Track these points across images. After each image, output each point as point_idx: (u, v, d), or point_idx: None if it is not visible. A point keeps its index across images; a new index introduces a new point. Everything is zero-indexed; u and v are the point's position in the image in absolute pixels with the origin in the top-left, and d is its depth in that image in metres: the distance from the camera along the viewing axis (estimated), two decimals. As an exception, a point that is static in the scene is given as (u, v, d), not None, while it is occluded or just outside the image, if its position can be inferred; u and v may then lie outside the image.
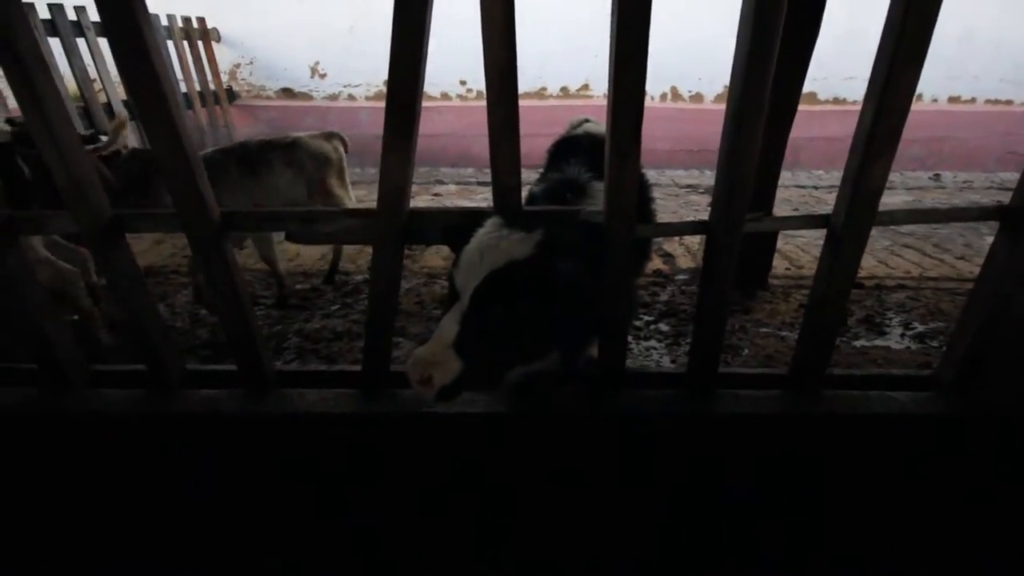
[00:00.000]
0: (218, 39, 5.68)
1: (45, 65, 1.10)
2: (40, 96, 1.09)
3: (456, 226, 1.17)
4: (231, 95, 5.86)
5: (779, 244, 3.16)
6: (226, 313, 1.31)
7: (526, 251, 1.02)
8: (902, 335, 2.39)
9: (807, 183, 5.45)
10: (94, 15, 4.29)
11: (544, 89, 5.81)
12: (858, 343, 2.32)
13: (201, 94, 5.25)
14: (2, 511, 1.43)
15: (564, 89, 5.89)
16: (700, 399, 1.32)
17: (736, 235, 1.16)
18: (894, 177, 5.56)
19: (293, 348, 2.35)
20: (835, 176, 5.67)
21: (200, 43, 5.32)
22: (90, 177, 1.20)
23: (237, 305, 1.29)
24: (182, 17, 5.07)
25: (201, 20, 5.39)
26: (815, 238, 3.64)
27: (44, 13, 3.87)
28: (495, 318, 1.02)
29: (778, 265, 3.11)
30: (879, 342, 2.33)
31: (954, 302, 2.68)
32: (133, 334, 1.32)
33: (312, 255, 3.45)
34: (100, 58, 4.33)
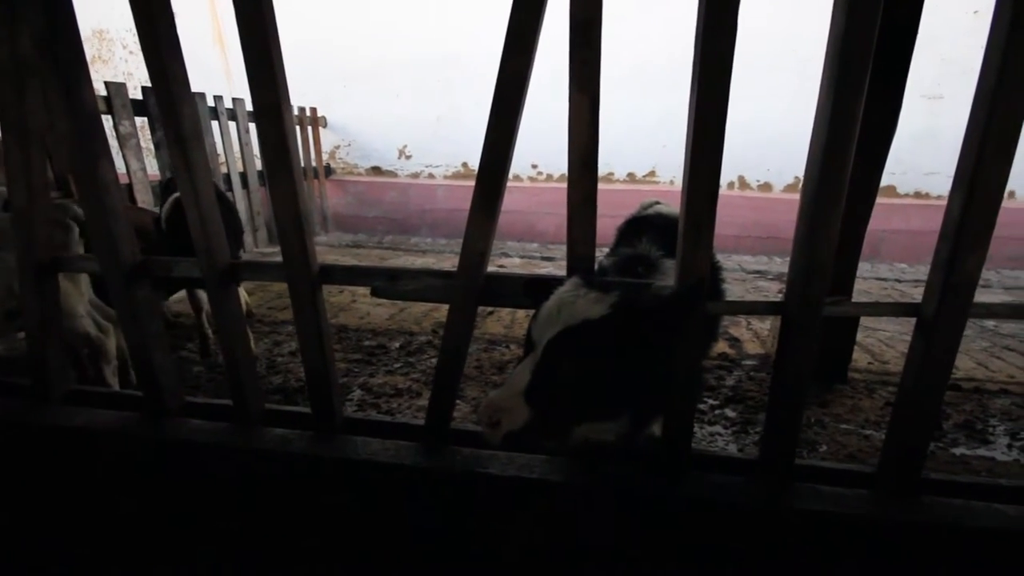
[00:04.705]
0: (324, 125, 6.51)
1: (199, 142, 1.33)
2: (191, 164, 1.31)
3: (539, 281, 1.23)
4: (328, 171, 6.60)
5: (859, 336, 2.97)
6: (309, 358, 1.41)
7: (602, 311, 1.05)
8: (1009, 446, 2.12)
9: (888, 275, 5.17)
10: (227, 103, 5.09)
11: (611, 174, 6.06)
12: (957, 451, 2.07)
13: (304, 169, 5.98)
14: (98, 519, 1.53)
15: (631, 175, 6.11)
16: (775, 490, 1.23)
17: (814, 317, 1.14)
18: (990, 275, 5.19)
19: (356, 400, 2.43)
20: (919, 270, 5.35)
21: (310, 128, 6.14)
22: (217, 230, 1.39)
23: (321, 352, 1.40)
24: (298, 107, 5.89)
25: (313, 110, 6.25)
26: (899, 332, 3.39)
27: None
28: (565, 372, 1.04)
29: (859, 359, 2.90)
30: (982, 451, 2.07)
31: (1073, 415, 2.36)
32: (228, 371, 1.45)
33: (381, 315, 3.64)
34: (227, 138, 5.07)
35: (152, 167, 4.55)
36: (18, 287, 1.52)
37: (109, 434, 1.45)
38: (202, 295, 2.94)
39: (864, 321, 3.33)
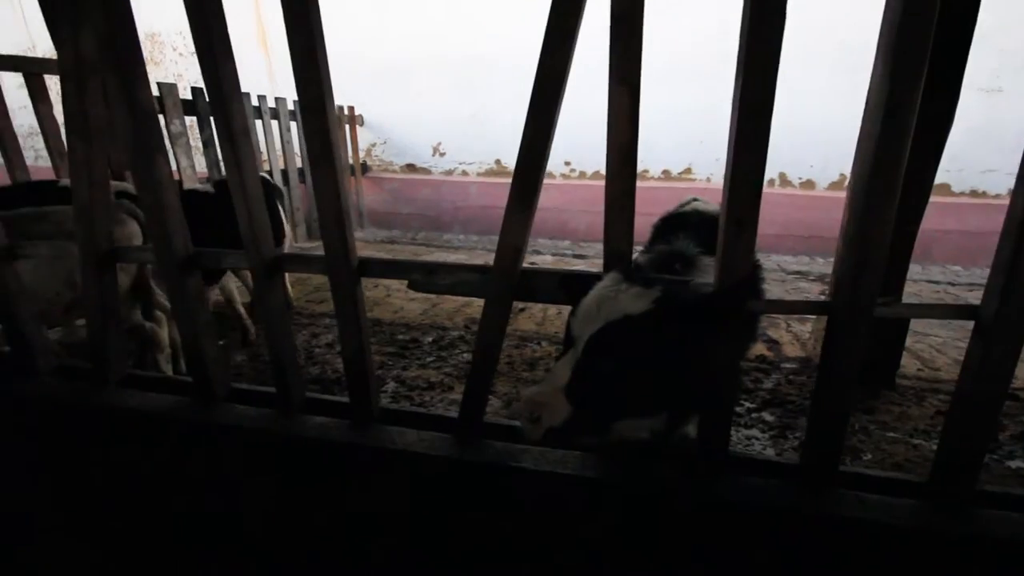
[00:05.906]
0: (362, 123, 6.64)
1: (247, 138, 1.38)
2: (240, 159, 1.36)
3: (576, 276, 1.22)
4: (364, 168, 6.73)
5: (909, 342, 2.84)
6: (347, 348, 1.45)
7: (643, 306, 1.04)
8: (1075, 461, 1.99)
9: (941, 278, 4.91)
10: (270, 102, 5.26)
11: (646, 171, 5.96)
12: (1013, 463, 1.96)
13: (340, 166, 6.14)
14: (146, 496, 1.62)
15: (666, 172, 6.00)
16: (817, 496, 1.19)
17: (863, 318, 1.09)
18: (1054, 280, 4.86)
19: (390, 392, 2.48)
20: (974, 273, 5.06)
21: (347, 126, 6.28)
22: (264, 222, 1.44)
23: (359, 343, 1.43)
24: (336, 105, 6.05)
25: (351, 108, 6.39)
26: (952, 338, 3.22)
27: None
28: (606, 368, 1.03)
29: (908, 365, 2.77)
30: (1043, 466, 1.95)
31: None
32: (271, 360, 1.51)
33: (414, 310, 3.69)
34: (270, 136, 5.24)
35: (200, 164, 4.74)
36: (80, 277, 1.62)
37: (162, 416, 1.52)
38: (230, 286, 3.13)
39: (914, 325, 3.18)
